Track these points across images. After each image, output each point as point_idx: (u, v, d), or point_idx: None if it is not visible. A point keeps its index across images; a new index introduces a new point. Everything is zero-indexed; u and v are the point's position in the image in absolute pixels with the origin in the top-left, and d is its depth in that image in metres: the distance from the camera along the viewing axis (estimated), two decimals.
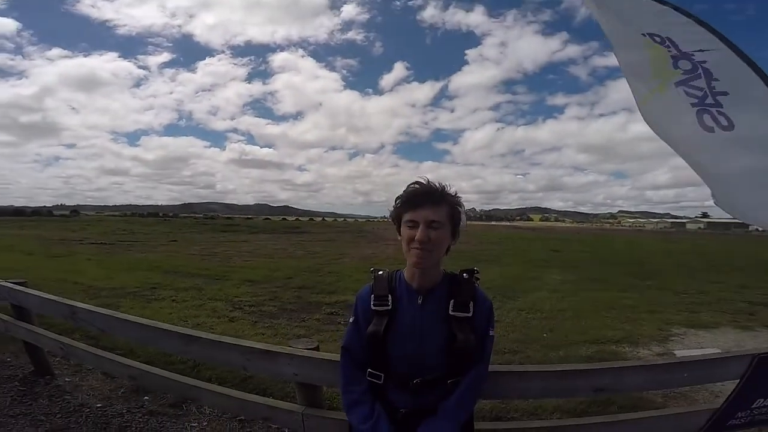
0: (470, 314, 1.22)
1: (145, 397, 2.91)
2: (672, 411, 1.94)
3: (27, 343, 3.18)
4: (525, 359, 3.93)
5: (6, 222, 40.20)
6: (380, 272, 1.34)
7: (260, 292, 7.21)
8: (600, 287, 8.16)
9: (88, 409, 2.74)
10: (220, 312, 5.68)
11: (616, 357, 4.05)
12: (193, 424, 2.59)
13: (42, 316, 3.40)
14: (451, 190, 1.24)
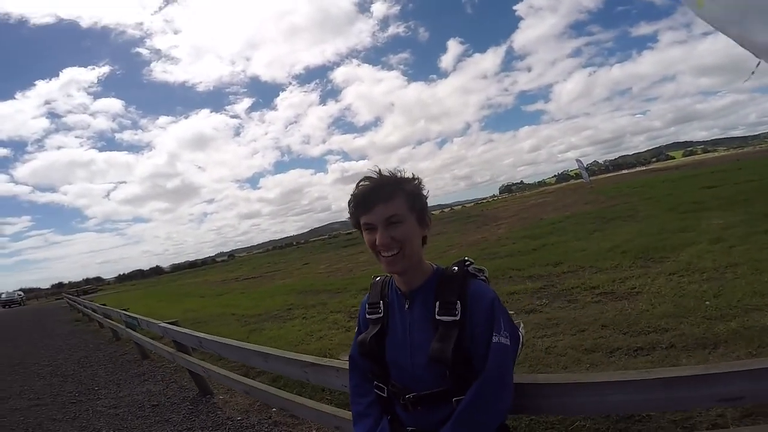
0: (457, 317, 1.01)
1: (272, 410, 3.40)
2: None
3: (189, 370, 3.98)
4: (677, 338, 3.15)
5: (185, 274, 55.26)
6: (377, 278, 1.25)
7: None
8: None
9: (231, 422, 3.35)
10: (340, 323, 6.08)
11: None
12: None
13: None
14: (407, 174, 1.08)
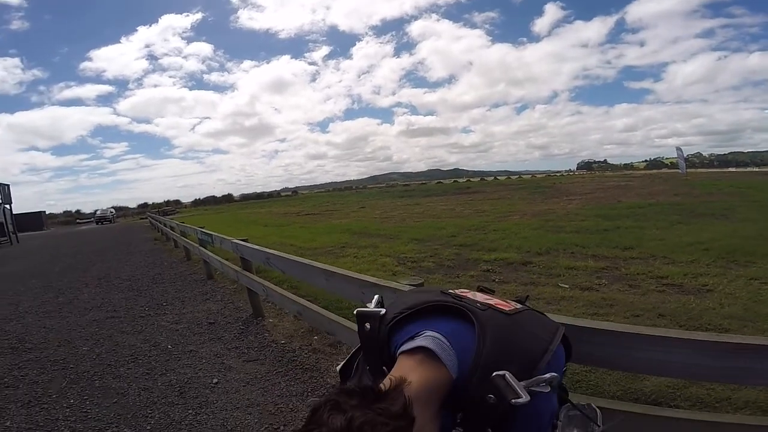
0: None
1: (314, 337, 3.60)
2: None
3: (249, 290, 4.33)
4: None
5: (252, 204, 57.98)
6: None
7: (424, 249, 7.60)
8: None
9: (275, 344, 3.58)
10: (387, 267, 6.29)
11: None
12: (339, 361, 3.06)
13: (260, 272, 4.53)
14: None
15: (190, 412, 2.55)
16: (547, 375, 0.66)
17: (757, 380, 1.15)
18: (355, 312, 0.85)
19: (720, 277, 4.58)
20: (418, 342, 0.69)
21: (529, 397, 0.62)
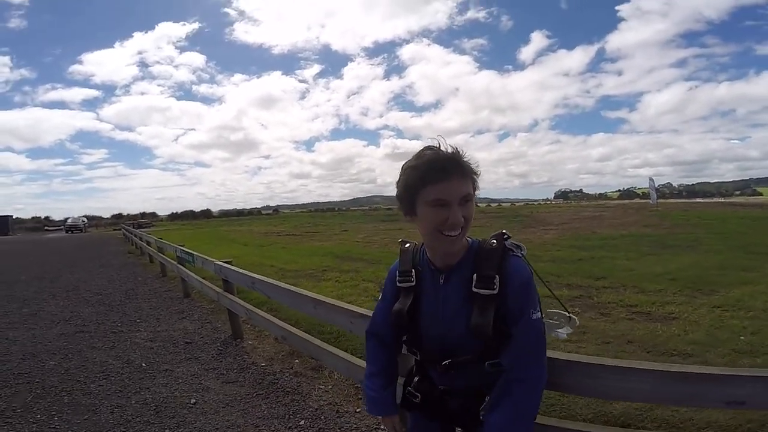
0: (495, 291, 1.00)
1: (296, 360, 3.61)
2: None
3: (229, 311, 4.30)
4: (698, 364, 3.07)
5: (232, 220, 57.25)
6: (407, 245, 1.21)
7: None
8: None
9: (255, 367, 3.55)
10: (369, 292, 6.33)
11: None
12: (321, 386, 3.09)
13: (240, 292, 4.51)
14: (467, 154, 1.00)
15: (167, 431, 2.51)
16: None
17: (700, 403, 1.30)
18: None
19: (685, 305, 4.87)
20: None
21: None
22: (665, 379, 1.15)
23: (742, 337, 3.69)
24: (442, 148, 1.00)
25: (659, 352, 3.46)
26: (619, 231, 14.83)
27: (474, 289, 1.03)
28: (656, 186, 33.48)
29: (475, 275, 1.04)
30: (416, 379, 1.22)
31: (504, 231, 1.10)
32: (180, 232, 30.00)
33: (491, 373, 1.07)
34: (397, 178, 1.07)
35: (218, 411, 2.77)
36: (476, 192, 1.03)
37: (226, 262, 4.40)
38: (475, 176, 1.02)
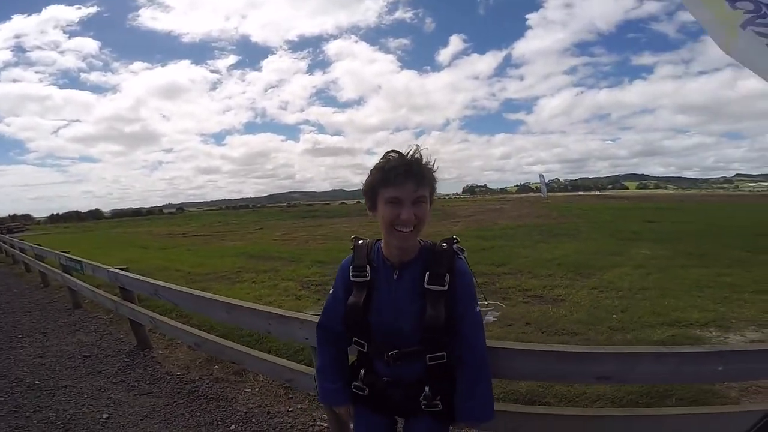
0: (445, 288, 1.14)
1: (215, 366, 3.40)
2: (723, 409, 1.69)
3: (132, 321, 3.89)
4: (584, 341, 3.65)
5: (127, 222, 51.20)
6: (360, 241, 1.31)
7: (328, 272, 7.63)
8: (697, 263, 7.00)
9: (170, 377, 3.30)
10: (290, 291, 6.19)
11: (697, 342, 3.55)
12: (246, 390, 2.99)
13: (142, 299, 4.12)
14: (430, 160, 1.13)
15: None
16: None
17: (576, 379, 1.55)
18: None
19: (569, 288, 5.63)
20: None
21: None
22: (548, 359, 1.35)
23: (614, 315, 4.37)
24: (409, 154, 1.12)
25: (552, 332, 3.97)
26: (516, 222, 16.66)
27: (426, 285, 1.15)
28: (546, 181, 38.28)
29: (427, 273, 1.16)
30: (362, 371, 1.29)
31: (454, 236, 1.24)
32: (63, 236, 26.09)
33: (432, 366, 1.19)
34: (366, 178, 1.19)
35: (137, 424, 2.58)
36: (433, 196, 1.17)
37: (121, 269, 3.98)
38: (432, 182, 1.15)
